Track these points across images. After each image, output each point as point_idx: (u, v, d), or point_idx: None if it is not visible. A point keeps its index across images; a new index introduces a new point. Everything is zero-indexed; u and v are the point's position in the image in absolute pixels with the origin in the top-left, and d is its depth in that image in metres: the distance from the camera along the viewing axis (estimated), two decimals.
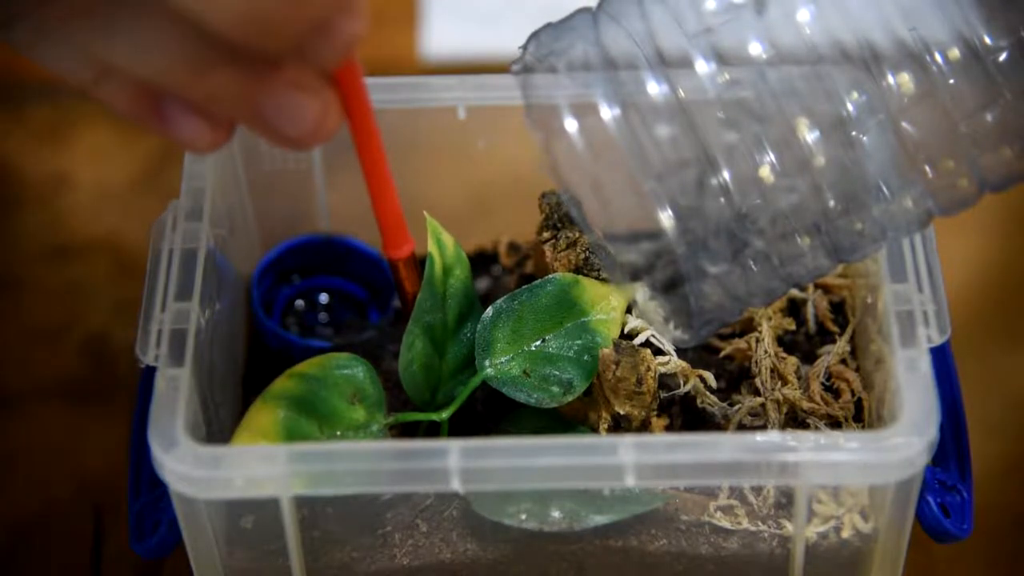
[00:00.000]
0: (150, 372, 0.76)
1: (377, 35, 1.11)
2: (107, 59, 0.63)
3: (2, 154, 1.09)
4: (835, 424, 0.81)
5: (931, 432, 0.72)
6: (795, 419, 0.82)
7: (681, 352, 0.84)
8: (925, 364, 0.74)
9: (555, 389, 0.79)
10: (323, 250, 0.92)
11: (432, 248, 0.80)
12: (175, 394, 0.74)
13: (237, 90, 0.63)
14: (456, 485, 0.72)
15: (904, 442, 0.72)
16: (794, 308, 0.87)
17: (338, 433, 0.77)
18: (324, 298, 0.93)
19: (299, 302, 0.93)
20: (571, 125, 0.72)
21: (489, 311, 0.80)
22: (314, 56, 0.62)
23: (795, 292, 0.87)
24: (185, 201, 0.82)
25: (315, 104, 0.65)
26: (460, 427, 0.82)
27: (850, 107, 0.71)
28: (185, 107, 0.65)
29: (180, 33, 0.61)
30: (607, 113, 0.71)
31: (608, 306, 0.81)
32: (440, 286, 0.80)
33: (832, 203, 0.72)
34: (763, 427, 0.81)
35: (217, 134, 0.66)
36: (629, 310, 0.82)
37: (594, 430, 0.79)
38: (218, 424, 0.81)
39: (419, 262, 0.78)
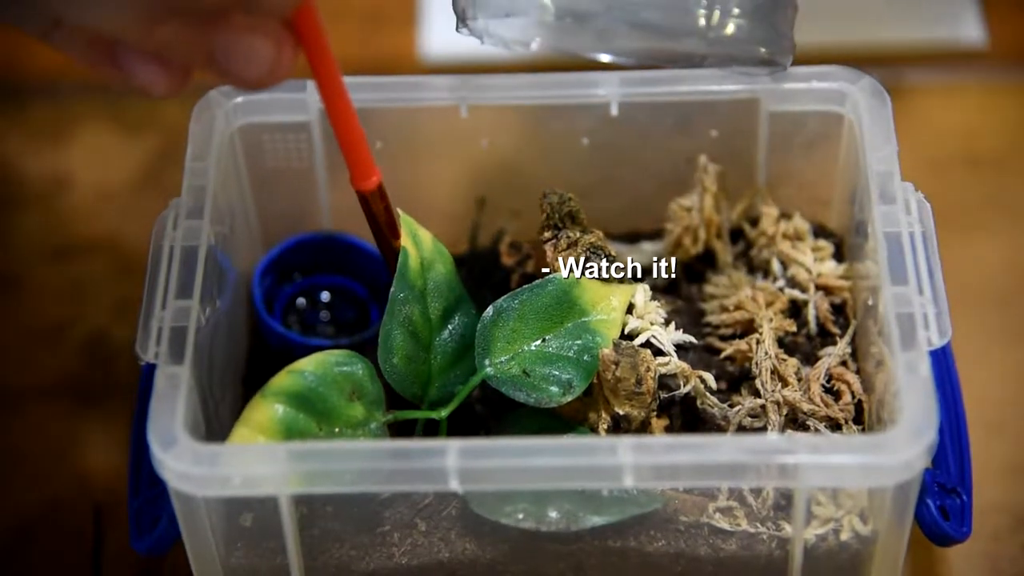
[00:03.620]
0: (150, 370, 0.76)
1: (377, 35, 1.11)
2: (55, 14, 0.63)
3: (2, 154, 1.09)
4: (835, 426, 0.81)
5: (930, 435, 0.72)
6: (795, 421, 0.82)
7: (682, 353, 0.84)
8: (925, 367, 0.74)
9: (554, 389, 0.79)
10: (325, 248, 0.92)
11: (407, 243, 0.80)
12: (174, 392, 0.74)
13: (189, 38, 0.63)
14: (454, 485, 0.72)
15: (903, 445, 0.72)
16: (795, 310, 0.87)
17: (336, 430, 0.77)
18: (326, 296, 0.93)
19: (300, 300, 0.93)
20: None
21: (490, 310, 0.80)
22: (262, 7, 0.62)
23: (797, 294, 0.87)
24: (186, 199, 0.82)
25: (267, 45, 0.65)
26: (459, 426, 0.82)
27: None
28: (140, 54, 0.65)
29: None
30: None
31: (608, 306, 0.81)
32: (418, 280, 0.80)
33: None
34: (763, 429, 0.81)
35: (173, 80, 0.66)
36: (630, 310, 0.82)
37: (594, 430, 0.79)
38: (218, 422, 0.81)
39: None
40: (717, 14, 0.81)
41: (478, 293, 0.85)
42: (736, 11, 0.81)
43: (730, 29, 0.82)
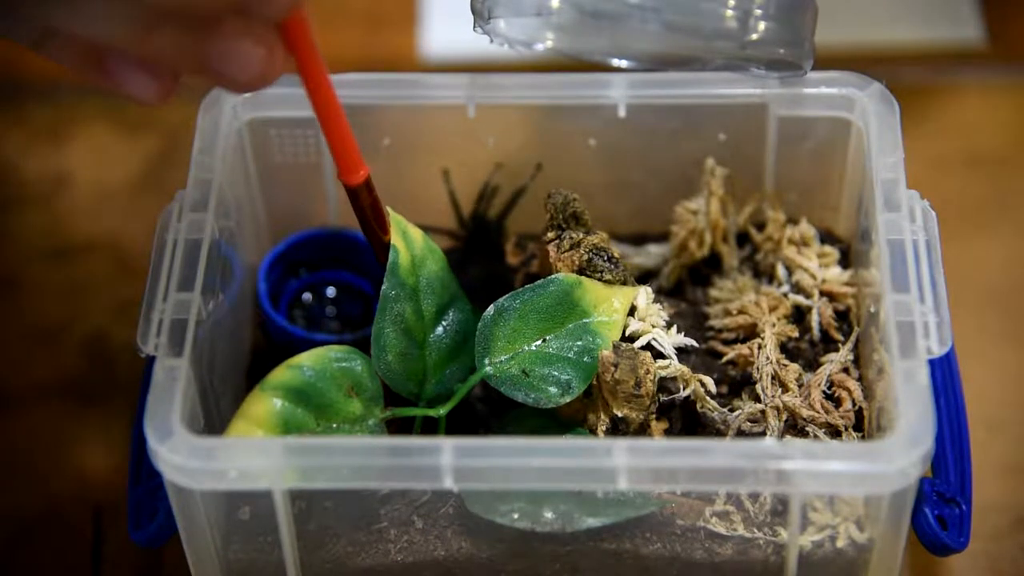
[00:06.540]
0: (153, 362, 0.76)
1: (377, 35, 1.11)
2: (47, 24, 0.63)
3: (2, 154, 1.09)
4: (835, 433, 0.81)
5: (926, 444, 0.72)
6: (795, 427, 0.81)
7: (684, 356, 0.84)
8: (923, 376, 0.74)
9: (553, 390, 0.79)
10: (331, 244, 0.92)
11: (397, 241, 0.80)
12: (172, 384, 0.74)
13: (181, 44, 0.64)
14: (448, 483, 0.72)
15: (899, 453, 0.71)
16: (800, 315, 0.87)
17: (334, 426, 0.77)
18: (331, 292, 0.93)
19: (306, 295, 0.93)
20: None
21: (491, 309, 0.80)
22: (259, 12, 0.63)
23: (801, 299, 0.87)
24: (191, 192, 0.82)
25: (259, 49, 0.65)
26: (460, 424, 0.82)
27: None
28: (130, 62, 0.65)
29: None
30: None
31: (610, 308, 0.81)
32: (409, 277, 0.80)
33: None
34: (763, 434, 0.81)
35: (163, 86, 0.67)
36: (632, 313, 0.82)
37: (592, 432, 0.79)
38: (219, 415, 0.81)
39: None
40: (754, 15, 0.81)
41: (484, 291, 0.85)
42: (759, 12, 0.81)
43: (761, 30, 0.81)
